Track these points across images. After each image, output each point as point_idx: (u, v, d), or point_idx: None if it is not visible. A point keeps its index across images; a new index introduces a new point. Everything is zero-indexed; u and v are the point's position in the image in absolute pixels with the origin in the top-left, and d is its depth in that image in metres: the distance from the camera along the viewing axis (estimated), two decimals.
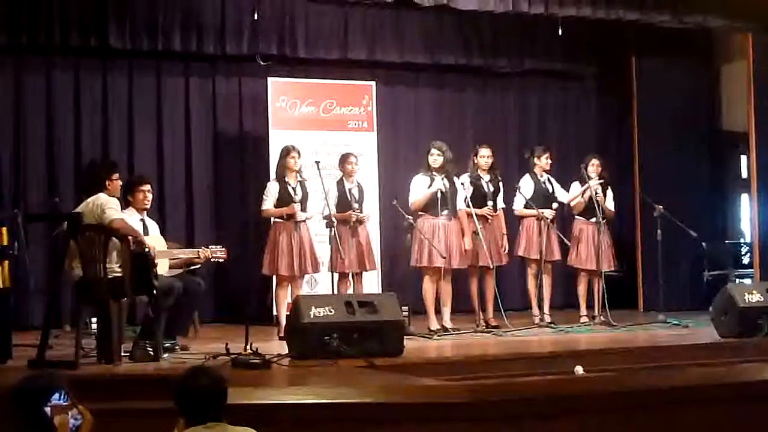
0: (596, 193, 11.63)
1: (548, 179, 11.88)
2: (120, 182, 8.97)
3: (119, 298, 8.41)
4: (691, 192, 13.70)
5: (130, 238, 8.48)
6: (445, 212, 10.86)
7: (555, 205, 11.78)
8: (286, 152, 10.75)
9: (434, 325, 10.79)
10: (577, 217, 11.85)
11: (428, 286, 10.92)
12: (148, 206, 9.61)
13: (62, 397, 4.24)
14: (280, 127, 12.45)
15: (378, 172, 12.82)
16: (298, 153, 10.74)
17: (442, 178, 10.88)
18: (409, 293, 10.99)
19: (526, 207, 11.64)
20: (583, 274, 11.84)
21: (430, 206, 10.85)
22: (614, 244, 12.02)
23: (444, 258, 10.71)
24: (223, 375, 4.78)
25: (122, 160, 12.35)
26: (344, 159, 11.18)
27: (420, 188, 10.93)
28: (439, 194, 10.82)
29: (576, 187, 11.85)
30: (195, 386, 4.50)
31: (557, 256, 11.76)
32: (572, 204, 11.81)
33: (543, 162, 11.81)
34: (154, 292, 8.47)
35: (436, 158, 10.95)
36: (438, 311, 10.99)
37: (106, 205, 8.50)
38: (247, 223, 12.51)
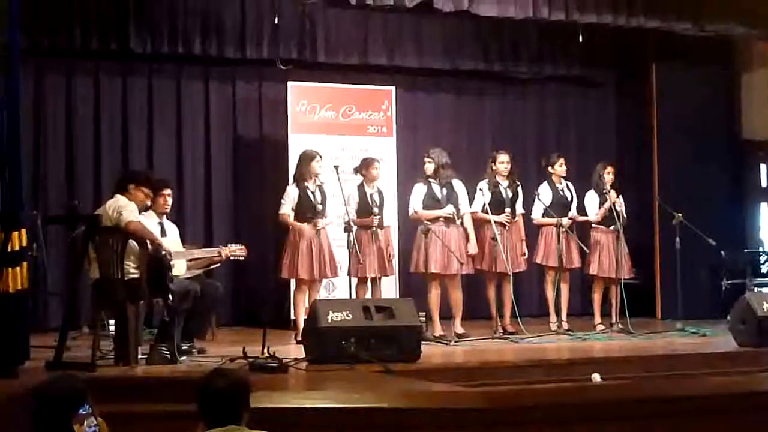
0: (614, 204, 11.61)
1: (567, 186, 11.85)
2: (142, 195, 8.86)
3: (136, 300, 8.42)
4: (710, 200, 13.64)
5: (147, 241, 8.48)
6: (440, 221, 10.86)
7: (572, 213, 11.75)
8: (311, 158, 10.75)
9: (438, 331, 10.75)
10: (594, 225, 11.81)
11: (430, 292, 10.89)
12: (168, 210, 9.65)
13: (87, 407, 4.26)
14: (300, 132, 12.47)
15: (397, 178, 12.82)
16: (321, 158, 10.79)
17: (440, 186, 10.89)
18: (426, 299, 10.97)
19: (544, 215, 11.61)
20: (598, 281, 11.83)
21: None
22: (631, 251, 11.99)
23: (462, 263, 10.73)
24: (245, 377, 4.78)
25: (141, 163, 12.45)
26: (369, 164, 11.14)
27: (418, 197, 10.97)
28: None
29: (592, 196, 11.81)
30: (215, 388, 4.49)
31: (576, 263, 11.72)
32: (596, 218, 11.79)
33: (558, 169, 11.77)
34: (170, 295, 8.48)
35: (427, 165, 10.98)
36: (451, 317, 11.00)
37: (124, 207, 8.50)
38: (266, 227, 12.49)
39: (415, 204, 10.97)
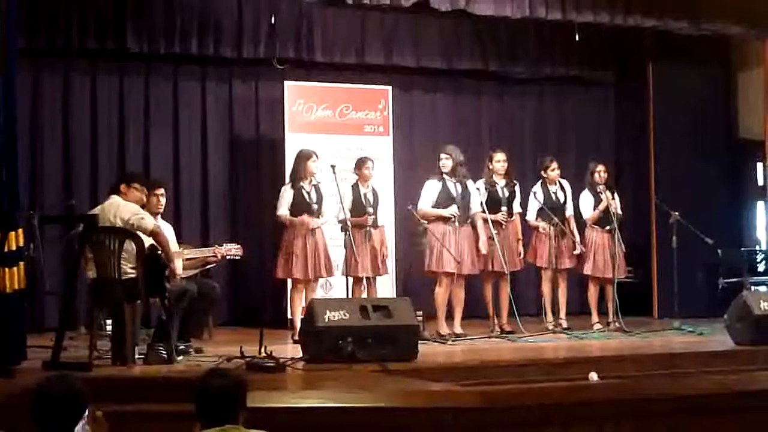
0: (610, 204, 11.63)
1: (561, 187, 11.83)
2: (137, 194, 8.90)
3: (133, 300, 8.41)
4: (707, 199, 13.64)
5: (164, 253, 8.48)
6: (452, 220, 10.85)
7: (568, 214, 11.74)
8: (307, 157, 10.74)
9: (444, 330, 10.76)
10: (590, 225, 11.82)
11: (439, 291, 10.89)
12: (161, 210, 9.66)
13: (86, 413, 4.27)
14: (297, 131, 12.47)
15: (393, 177, 12.82)
16: (317, 157, 10.78)
17: (455, 184, 10.88)
18: (423, 298, 10.96)
19: (539, 213, 11.61)
20: (594, 281, 11.83)
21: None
22: (628, 250, 11.99)
23: (458, 263, 10.71)
24: (242, 376, 4.78)
25: (138, 163, 12.45)
26: (362, 163, 11.16)
27: (430, 194, 10.94)
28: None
29: (587, 196, 11.83)
30: (212, 387, 4.49)
31: (568, 263, 11.71)
32: (590, 218, 11.80)
33: (551, 174, 11.76)
34: (166, 294, 8.47)
35: (444, 162, 10.96)
36: (450, 317, 10.99)
37: (139, 213, 8.55)
38: (263, 227, 12.48)
39: (424, 202, 10.95)
